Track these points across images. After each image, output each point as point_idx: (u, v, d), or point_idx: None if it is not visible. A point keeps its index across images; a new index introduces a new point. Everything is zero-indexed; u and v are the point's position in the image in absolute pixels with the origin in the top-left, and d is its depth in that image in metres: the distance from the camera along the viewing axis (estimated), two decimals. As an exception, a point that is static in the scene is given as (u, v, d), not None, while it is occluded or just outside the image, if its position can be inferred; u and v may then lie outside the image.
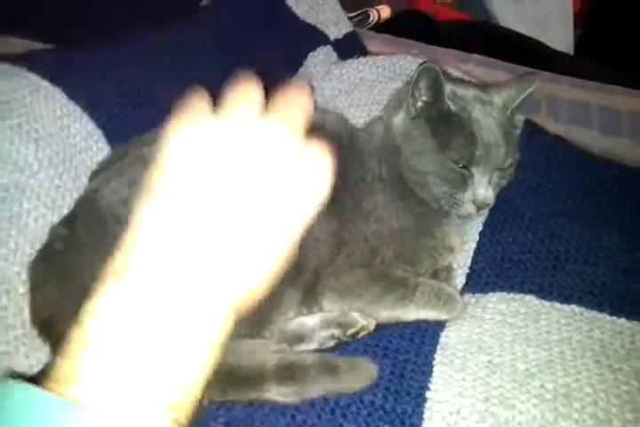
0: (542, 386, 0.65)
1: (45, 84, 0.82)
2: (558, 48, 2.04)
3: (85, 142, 0.84)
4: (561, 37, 2.26)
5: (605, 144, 1.35)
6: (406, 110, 0.84)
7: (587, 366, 0.68)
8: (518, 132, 0.93)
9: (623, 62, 1.96)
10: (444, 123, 0.80)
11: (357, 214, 0.83)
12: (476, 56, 1.62)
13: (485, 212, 0.83)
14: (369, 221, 0.82)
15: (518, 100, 0.82)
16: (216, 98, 0.43)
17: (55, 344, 0.65)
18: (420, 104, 0.82)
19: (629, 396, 0.65)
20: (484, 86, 0.90)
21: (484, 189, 0.80)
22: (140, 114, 0.90)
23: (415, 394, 0.63)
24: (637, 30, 2.28)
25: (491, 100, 0.83)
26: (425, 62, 0.79)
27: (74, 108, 0.84)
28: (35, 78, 0.82)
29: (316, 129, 0.84)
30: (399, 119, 0.85)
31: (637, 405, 0.64)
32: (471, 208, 0.81)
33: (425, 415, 0.60)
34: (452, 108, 0.80)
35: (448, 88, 0.82)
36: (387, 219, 0.83)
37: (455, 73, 1.10)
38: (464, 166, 0.80)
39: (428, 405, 0.62)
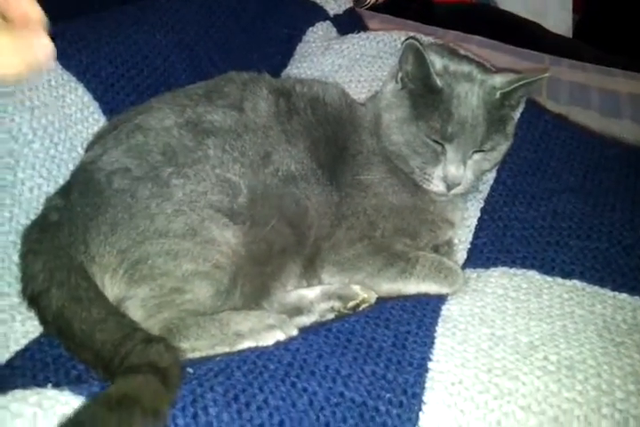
0: (546, 358, 0.64)
1: (40, 52, 0.81)
2: (557, 32, 2.03)
3: (81, 113, 0.83)
4: (559, 22, 2.24)
5: (605, 125, 1.34)
6: (395, 82, 0.83)
7: (589, 339, 0.68)
8: (515, 116, 0.89)
9: (620, 48, 1.95)
10: (425, 96, 0.79)
11: (356, 188, 0.82)
12: (477, 37, 1.60)
13: (459, 191, 0.80)
14: (368, 196, 0.82)
15: (516, 84, 0.79)
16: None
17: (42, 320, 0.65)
18: (405, 76, 0.81)
19: (632, 368, 0.64)
20: (485, 67, 0.87)
21: (454, 167, 0.78)
22: (135, 86, 0.89)
23: (417, 364, 0.62)
24: (634, 16, 2.27)
25: (484, 80, 0.80)
26: (410, 38, 0.78)
27: (69, 79, 0.83)
28: (29, 47, 0.81)
29: (316, 102, 0.84)
30: (388, 90, 0.85)
31: (640, 377, 0.63)
32: (441, 185, 0.80)
33: (427, 385, 0.60)
34: (439, 83, 0.78)
35: (440, 63, 0.81)
36: (384, 193, 0.82)
37: (463, 51, 1.08)
38: (438, 142, 0.78)
39: (429, 375, 0.61)
